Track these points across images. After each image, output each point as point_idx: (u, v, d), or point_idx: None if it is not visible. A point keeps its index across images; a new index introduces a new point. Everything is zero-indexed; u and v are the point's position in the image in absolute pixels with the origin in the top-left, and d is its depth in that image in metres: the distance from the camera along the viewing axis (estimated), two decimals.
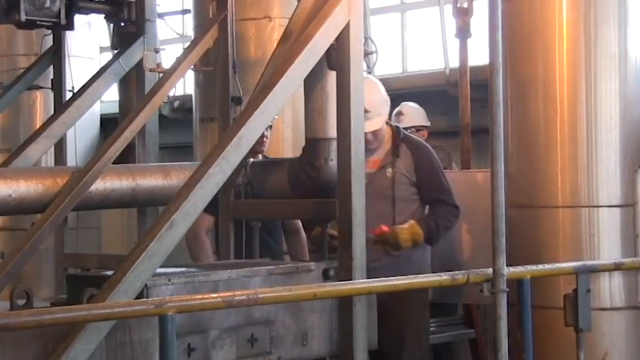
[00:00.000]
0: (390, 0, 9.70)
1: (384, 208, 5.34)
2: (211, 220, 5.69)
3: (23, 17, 5.95)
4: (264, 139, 5.77)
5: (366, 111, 4.84)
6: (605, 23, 5.21)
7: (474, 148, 7.12)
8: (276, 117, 5.75)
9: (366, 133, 4.89)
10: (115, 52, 6.44)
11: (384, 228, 5.26)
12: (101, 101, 8.16)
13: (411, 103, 7.76)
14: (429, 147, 5.60)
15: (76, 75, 6.92)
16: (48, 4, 6.06)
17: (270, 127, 5.82)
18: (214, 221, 5.60)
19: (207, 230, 5.76)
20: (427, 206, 5.50)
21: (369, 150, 5.18)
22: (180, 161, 5.72)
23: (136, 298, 3.91)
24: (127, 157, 5.86)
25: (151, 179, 5.24)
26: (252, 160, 5.18)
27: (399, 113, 7.64)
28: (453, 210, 5.40)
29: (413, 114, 7.74)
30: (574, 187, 5.19)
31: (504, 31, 4.55)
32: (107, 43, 8.69)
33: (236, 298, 3.70)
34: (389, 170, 5.38)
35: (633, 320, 5.24)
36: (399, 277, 4.50)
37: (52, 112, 6.85)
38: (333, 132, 4.73)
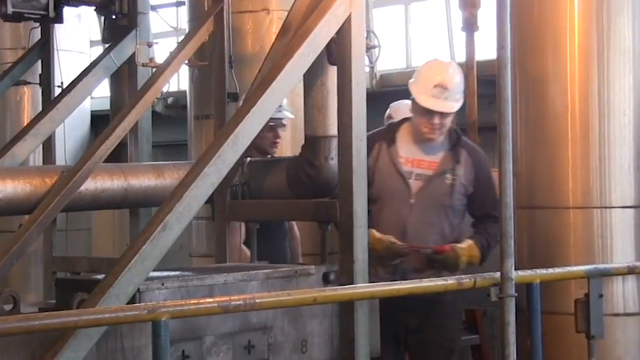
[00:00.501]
0: None
1: (436, 217, 5.04)
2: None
3: (10, 9, 5.98)
4: (277, 140, 5.70)
5: (443, 87, 4.82)
6: (619, 16, 5.17)
7: (482, 147, 6.98)
8: (292, 116, 5.81)
9: (433, 117, 4.85)
10: (106, 46, 6.49)
11: (446, 247, 4.97)
12: (91, 97, 8.18)
13: (398, 102, 7.44)
14: (485, 155, 5.29)
15: (65, 70, 6.96)
16: None
17: (284, 125, 5.80)
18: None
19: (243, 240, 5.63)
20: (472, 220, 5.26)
21: (427, 140, 5.02)
22: (174, 160, 5.74)
23: (128, 303, 3.89)
24: (118, 155, 5.91)
25: (143, 179, 5.26)
26: (249, 159, 5.15)
27: (389, 117, 7.28)
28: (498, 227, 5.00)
29: (401, 111, 7.43)
30: (586, 188, 5.15)
31: (513, 24, 4.51)
32: (98, 36, 8.66)
33: (232, 303, 3.68)
34: (448, 176, 5.03)
35: None
36: (402, 282, 4.52)
37: (40, 108, 6.94)
38: (333, 129, 4.72)
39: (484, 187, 5.07)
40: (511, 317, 4.14)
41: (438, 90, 4.91)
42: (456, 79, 5.02)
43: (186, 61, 5.75)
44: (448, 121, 4.99)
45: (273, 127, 5.59)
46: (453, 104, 4.97)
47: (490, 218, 4.99)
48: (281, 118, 5.69)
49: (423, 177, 5.00)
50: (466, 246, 4.98)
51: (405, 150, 5.05)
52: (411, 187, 5.02)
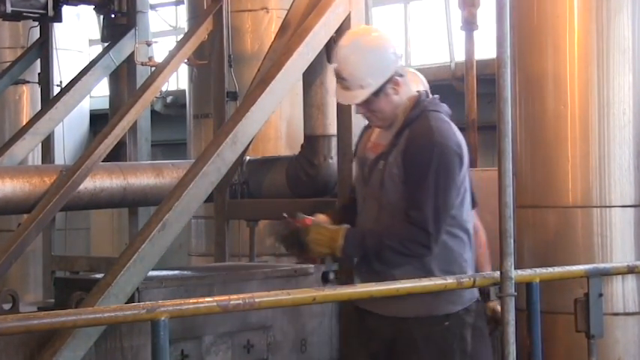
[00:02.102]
0: None
1: (376, 213, 4.06)
2: None
3: (9, 8, 5.99)
4: None
5: (341, 78, 3.96)
6: (619, 15, 5.14)
7: (481, 146, 7.07)
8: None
9: (359, 107, 4.04)
10: (105, 45, 6.48)
11: (307, 221, 4.03)
12: (90, 96, 8.16)
13: None
14: (444, 135, 3.98)
15: (64, 69, 6.96)
16: None
17: None
18: None
19: None
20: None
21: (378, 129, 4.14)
22: (173, 159, 5.72)
23: (127, 303, 3.89)
24: (117, 154, 5.89)
25: (142, 178, 5.26)
26: (248, 158, 5.11)
27: None
28: (419, 235, 3.92)
29: None
30: (585, 187, 5.11)
31: (512, 23, 4.51)
32: (97, 35, 8.65)
33: (232, 302, 3.65)
34: (381, 163, 4.01)
35: None
36: (402, 281, 4.38)
37: (39, 107, 6.93)
38: (332, 129, 4.73)
39: (408, 173, 3.94)
40: (511, 316, 4.05)
41: (339, 79, 4.03)
42: (351, 64, 3.97)
43: (186, 60, 5.75)
44: (377, 106, 4.01)
45: None
46: (354, 93, 3.99)
47: (407, 217, 3.92)
48: None
49: (368, 163, 4.08)
50: (333, 228, 3.99)
51: (377, 133, 4.16)
52: (365, 176, 4.11)
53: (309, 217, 4.08)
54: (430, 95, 4.20)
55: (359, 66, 3.94)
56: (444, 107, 4.13)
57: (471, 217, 4.17)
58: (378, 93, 3.95)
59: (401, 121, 4.01)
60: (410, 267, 4.02)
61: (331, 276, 4.60)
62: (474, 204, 4.31)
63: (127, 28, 6.27)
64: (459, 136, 4.06)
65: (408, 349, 4.01)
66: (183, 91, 7.84)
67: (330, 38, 4.54)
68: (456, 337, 4.05)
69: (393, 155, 3.96)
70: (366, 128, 4.28)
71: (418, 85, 4.39)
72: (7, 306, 3.95)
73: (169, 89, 9.33)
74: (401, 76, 4.01)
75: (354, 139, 4.50)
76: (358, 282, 4.16)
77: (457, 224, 4.06)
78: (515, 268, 4.12)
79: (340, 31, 4.53)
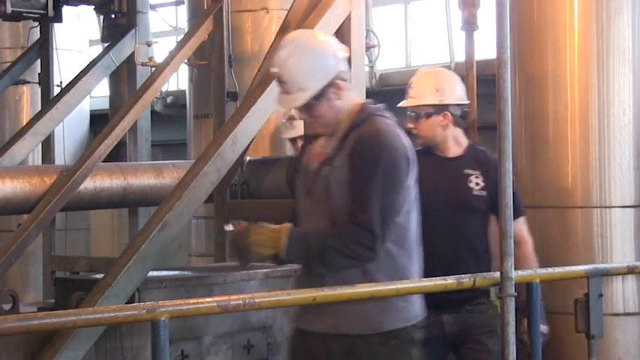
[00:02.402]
0: None
1: (317, 224, 3.84)
2: None
3: (9, 9, 5.97)
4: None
5: (281, 81, 3.79)
6: (619, 16, 5.16)
7: (482, 147, 6.98)
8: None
9: (300, 113, 3.85)
10: (106, 45, 6.45)
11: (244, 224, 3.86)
12: (91, 97, 8.15)
13: None
14: (391, 138, 3.78)
15: (64, 69, 6.93)
16: None
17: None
18: None
19: None
20: None
21: (318, 137, 3.93)
22: (173, 159, 5.70)
23: (127, 303, 3.88)
24: (117, 155, 5.87)
25: (142, 178, 5.23)
26: (248, 158, 5.11)
27: (292, 118, 6.41)
28: (364, 236, 3.68)
29: None
30: (585, 187, 5.13)
31: (513, 24, 4.49)
32: (97, 35, 8.63)
33: (232, 302, 3.60)
34: (326, 169, 3.80)
35: None
36: (402, 281, 4.35)
37: (39, 107, 6.90)
38: None
39: (355, 179, 3.73)
40: (511, 317, 4.02)
41: (279, 83, 3.85)
42: (290, 67, 3.80)
43: (186, 61, 5.73)
44: (318, 111, 3.82)
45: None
46: (294, 97, 3.79)
47: (350, 218, 3.71)
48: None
49: (311, 173, 3.88)
50: (274, 227, 3.78)
51: (319, 144, 3.95)
52: (309, 187, 3.92)
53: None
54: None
55: (298, 68, 3.76)
56: (391, 114, 3.96)
57: (415, 229, 3.93)
58: (319, 97, 3.77)
59: (347, 125, 3.81)
60: (352, 273, 3.75)
61: None
62: (519, 213, 4.45)
63: (128, 28, 6.25)
64: (408, 143, 3.88)
65: None
66: (184, 91, 7.83)
67: None
68: (405, 355, 3.81)
69: (339, 159, 3.76)
70: (308, 143, 4.06)
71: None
72: (7, 306, 3.94)
73: (169, 89, 9.34)
74: (344, 80, 3.82)
75: None
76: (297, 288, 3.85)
77: (404, 234, 3.83)
78: (515, 269, 4.16)
79: (340, 31, 4.51)
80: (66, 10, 6.37)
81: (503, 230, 4.11)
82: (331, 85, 3.78)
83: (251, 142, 4.65)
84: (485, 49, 6.91)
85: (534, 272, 4.44)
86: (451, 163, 4.85)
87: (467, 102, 4.97)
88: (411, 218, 3.86)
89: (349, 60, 4.46)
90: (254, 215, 5.09)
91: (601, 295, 4.47)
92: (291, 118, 6.11)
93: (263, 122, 4.57)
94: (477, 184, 4.75)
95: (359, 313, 3.73)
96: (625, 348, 5.09)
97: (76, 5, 6.60)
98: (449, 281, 4.26)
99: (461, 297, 4.62)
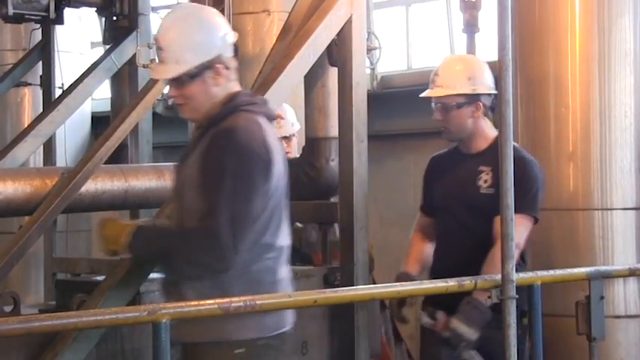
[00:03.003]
0: None
1: (177, 223, 3.61)
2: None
3: (11, 11, 5.97)
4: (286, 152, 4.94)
5: (159, 47, 3.51)
6: (620, 18, 5.15)
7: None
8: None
9: (172, 89, 3.56)
10: (107, 47, 6.43)
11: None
12: (92, 99, 8.14)
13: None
14: (250, 136, 3.42)
15: (65, 71, 6.94)
16: None
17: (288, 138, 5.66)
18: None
19: None
20: None
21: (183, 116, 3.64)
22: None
23: (128, 305, 3.85)
24: (119, 157, 5.87)
25: (144, 180, 5.19)
26: None
27: (279, 117, 5.90)
28: (212, 245, 3.35)
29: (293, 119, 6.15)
30: (587, 189, 5.12)
31: (514, 26, 4.52)
32: (98, 37, 8.62)
33: (233, 304, 3.59)
34: (180, 165, 3.61)
35: None
36: (403, 283, 4.38)
37: (40, 109, 6.90)
38: (334, 131, 4.68)
39: (206, 181, 3.41)
40: (512, 319, 4.05)
41: (157, 50, 3.57)
42: (172, 32, 3.53)
43: None
44: (190, 92, 3.52)
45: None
46: (167, 67, 3.51)
47: (199, 225, 3.40)
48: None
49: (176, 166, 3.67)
50: (123, 223, 3.61)
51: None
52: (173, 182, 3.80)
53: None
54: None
55: (179, 36, 3.47)
56: (267, 110, 3.64)
57: (286, 234, 3.57)
58: (194, 76, 3.47)
59: (211, 118, 3.50)
60: (205, 284, 3.46)
61: (332, 278, 4.56)
62: (520, 210, 4.13)
63: (129, 30, 6.25)
64: (273, 143, 3.50)
65: None
66: None
67: (332, 41, 4.52)
68: None
69: (194, 156, 3.47)
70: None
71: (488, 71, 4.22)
72: (8, 308, 3.89)
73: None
74: (227, 68, 3.53)
75: (356, 141, 4.48)
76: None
77: (264, 241, 3.48)
78: (516, 271, 4.13)
79: (341, 33, 4.51)
80: (67, 12, 6.37)
81: (504, 233, 4.11)
82: (211, 67, 3.49)
83: None
84: (487, 51, 6.92)
85: (535, 275, 4.44)
86: (470, 160, 4.58)
87: (496, 91, 4.45)
88: (274, 225, 3.49)
89: (349, 60, 4.51)
90: None
91: (602, 298, 4.48)
92: (278, 117, 6.05)
93: None
94: (486, 181, 4.50)
95: (204, 322, 3.44)
96: (626, 350, 5.08)
97: (78, 7, 6.60)
98: (450, 283, 4.27)
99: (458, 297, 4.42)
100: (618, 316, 5.06)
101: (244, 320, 3.47)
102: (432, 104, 4.58)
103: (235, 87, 3.59)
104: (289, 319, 3.61)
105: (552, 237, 5.18)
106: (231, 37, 3.59)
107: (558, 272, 4.64)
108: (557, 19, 5.18)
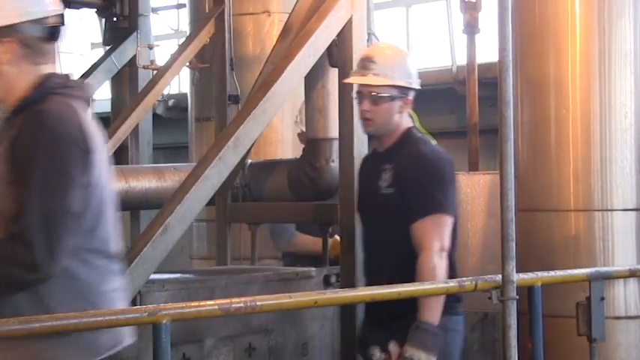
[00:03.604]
0: None
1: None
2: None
3: None
4: None
5: None
6: (620, 19, 5.15)
7: (483, 149, 7.05)
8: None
9: None
10: (107, 48, 6.42)
11: None
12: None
13: None
14: (62, 122, 2.84)
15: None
16: None
17: None
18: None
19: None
20: None
21: None
22: (174, 162, 5.68)
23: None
24: (119, 158, 5.87)
25: (144, 181, 5.22)
26: (249, 161, 5.10)
27: None
28: (21, 252, 2.79)
29: None
30: (587, 190, 5.12)
31: (514, 27, 4.51)
32: (99, 38, 8.62)
33: (233, 305, 3.59)
34: None
35: None
36: (403, 284, 4.34)
37: None
38: (334, 132, 4.68)
39: (15, 176, 2.84)
40: (513, 320, 4.02)
41: None
42: None
43: (187, 64, 5.73)
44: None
45: None
46: None
47: (9, 228, 2.81)
48: None
49: None
50: None
51: None
52: None
53: None
54: None
55: None
56: (84, 93, 3.05)
57: (116, 238, 3.07)
58: None
59: (18, 104, 2.90)
60: (23, 297, 2.95)
61: (333, 279, 4.58)
62: (427, 212, 3.92)
63: (129, 31, 6.27)
64: (91, 129, 2.95)
65: None
66: (185, 94, 7.82)
67: (332, 42, 4.52)
68: None
69: (2, 147, 2.87)
70: None
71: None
72: None
73: (171, 92, 9.35)
74: (38, 51, 2.92)
75: (356, 142, 4.48)
76: None
77: (92, 245, 2.97)
78: (516, 272, 4.15)
79: (342, 34, 4.51)
80: (68, 13, 6.35)
81: (504, 234, 4.09)
82: (9, 39, 2.86)
83: (252, 145, 4.65)
84: (487, 52, 6.94)
85: (536, 275, 4.43)
86: (378, 158, 4.22)
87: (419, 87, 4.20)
88: (102, 227, 2.98)
89: (350, 61, 4.49)
90: (256, 218, 5.10)
91: (603, 299, 4.47)
92: None
93: (265, 125, 4.57)
94: (385, 180, 4.08)
95: (30, 348, 2.99)
96: (627, 351, 5.08)
97: (78, 8, 6.60)
98: (451, 284, 4.27)
99: (393, 312, 4.12)
100: (618, 317, 5.06)
101: (76, 341, 3.06)
102: (357, 91, 4.18)
103: (46, 68, 2.96)
104: (127, 336, 3.19)
105: (553, 238, 5.18)
106: (59, 7, 2.96)
107: (559, 273, 4.63)
108: (557, 20, 5.18)
